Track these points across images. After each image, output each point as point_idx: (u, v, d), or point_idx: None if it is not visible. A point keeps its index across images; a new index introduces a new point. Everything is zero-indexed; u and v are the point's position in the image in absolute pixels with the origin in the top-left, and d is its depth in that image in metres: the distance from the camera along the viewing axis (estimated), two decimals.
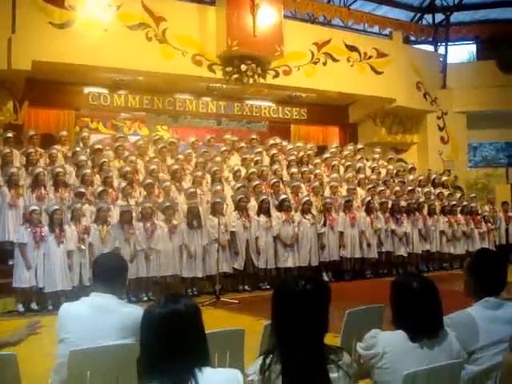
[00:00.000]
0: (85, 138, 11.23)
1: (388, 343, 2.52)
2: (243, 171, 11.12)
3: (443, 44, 17.42)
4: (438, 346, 2.54)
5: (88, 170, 9.60)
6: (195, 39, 12.13)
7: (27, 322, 3.08)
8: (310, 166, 12.15)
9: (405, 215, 11.63)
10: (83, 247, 8.40)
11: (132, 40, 11.43)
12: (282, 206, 10.13)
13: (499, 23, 17.16)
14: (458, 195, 13.88)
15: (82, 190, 9.13)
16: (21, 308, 7.96)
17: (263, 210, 9.91)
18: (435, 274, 10.78)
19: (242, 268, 9.64)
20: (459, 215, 12.70)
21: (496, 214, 13.58)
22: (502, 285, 2.95)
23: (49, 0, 10.67)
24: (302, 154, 12.38)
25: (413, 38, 17.54)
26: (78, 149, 10.54)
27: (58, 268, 8.07)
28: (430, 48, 17.83)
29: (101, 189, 9.25)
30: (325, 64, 13.84)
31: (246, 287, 9.69)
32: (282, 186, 10.96)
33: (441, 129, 16.59)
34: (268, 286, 9.56)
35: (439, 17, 17.50)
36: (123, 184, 9.63)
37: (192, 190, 9.74)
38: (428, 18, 17.76)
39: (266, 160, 12.04)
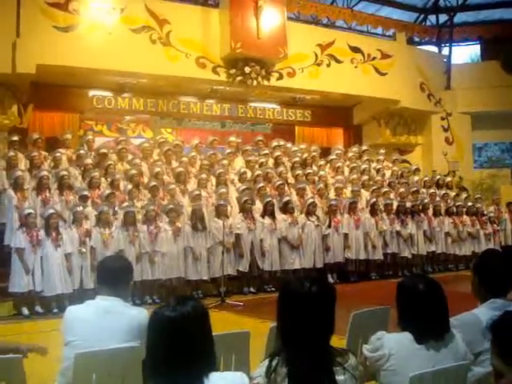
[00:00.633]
0: (89, 141, 11.21)
1: (394, 345, 2.51)
2: (249, 173, 11.13)
3: (447, 45, 17.35)
4: (444, 348, 2.53)
5: (96, 173, 9.58)
6: (199, 42, 12.15)
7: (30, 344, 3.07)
8: (315, 168, 12.14)
9: (410, 216, 11.61)
10: (84, 250, 8.38)
11: (136, 43, 11.46)
12: (286, 208, 10.14)
13: (503, 23, 17.13)
14: (464, 196, 13.85)
15: (86, 193, 9.13)
16: (25, 311, 7.92)
17: (268, 212, 9.91)
18: (441, 276, 10.75)
19: (247, 270, 9.63)
20: (465, 216, 12.66)
21: (501, 214, 13.52)
22: (509, 286, 2.94)
23: (53, 4, 10.72)
24: (305, 155, 12.37)
25: (417, 39, 17.54)
26: (82, 152, 10.52)
27: (56, 271, 8.04)
28: (434, 49, 17.79)
29: (108, 192, 9.24)
30: (328, 66, 13.83)
31: (251, 289, 9.69)
32: (286, 188, 10.96)
33: (445, 130, 16.54)
34: (273, 288, 9.54)
35: (443, 17, 17.47)
36: (129, 186, 9.63)
37: (196, 192, 9.72)
38: (432, 18, 17.74)
39: (270, 162, 12.04)
